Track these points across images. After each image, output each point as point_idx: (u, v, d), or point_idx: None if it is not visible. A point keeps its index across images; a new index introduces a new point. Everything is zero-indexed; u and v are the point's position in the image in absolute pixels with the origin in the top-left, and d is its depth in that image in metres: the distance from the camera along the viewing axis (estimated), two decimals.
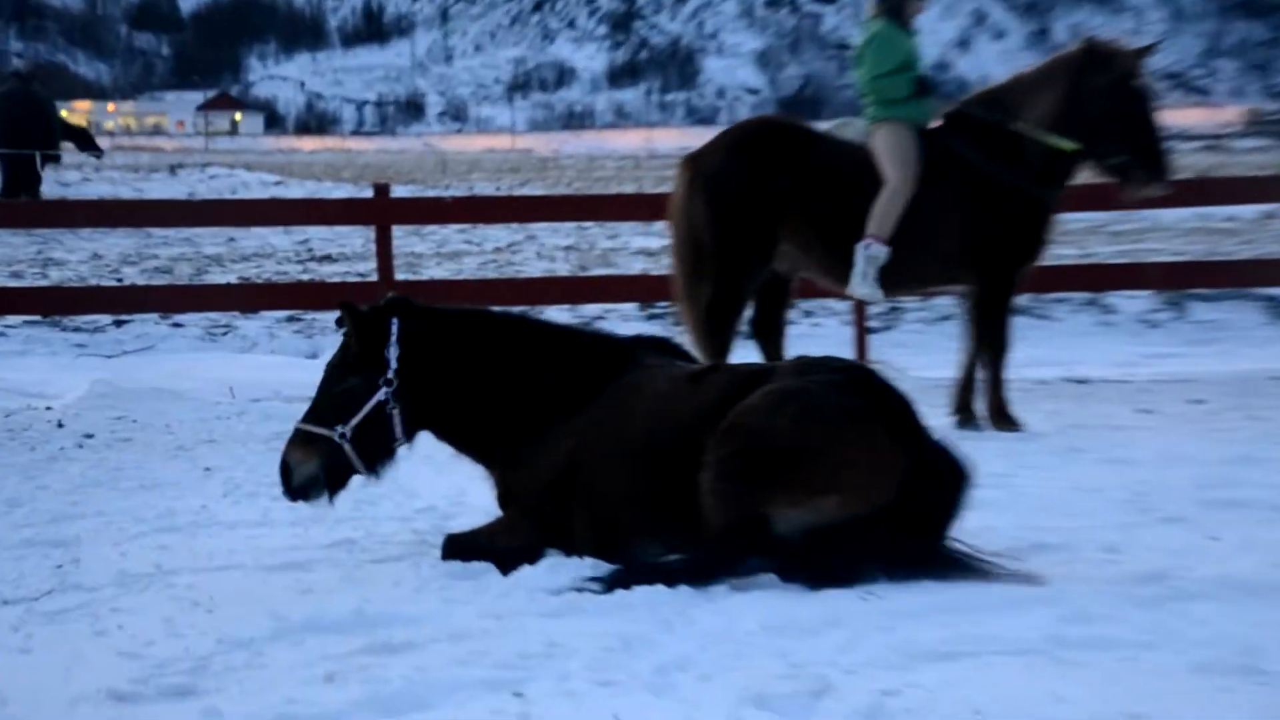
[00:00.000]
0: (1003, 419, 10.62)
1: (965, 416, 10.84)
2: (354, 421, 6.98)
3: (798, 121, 11.50)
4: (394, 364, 7.04)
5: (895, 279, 10.79)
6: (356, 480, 8.58)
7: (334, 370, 7.17)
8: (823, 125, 11.57)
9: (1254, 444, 9.63)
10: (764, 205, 10.81)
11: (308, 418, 7.06)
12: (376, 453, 7.05)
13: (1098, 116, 10.40)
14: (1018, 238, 10.69)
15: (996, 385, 10.74)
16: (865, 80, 11.08)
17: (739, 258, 10.92)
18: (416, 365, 7.05)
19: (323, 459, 6.96)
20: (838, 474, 6.20)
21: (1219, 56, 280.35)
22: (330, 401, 7.09)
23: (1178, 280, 15.58)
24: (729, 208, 10.88)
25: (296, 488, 6.96)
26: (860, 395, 6.39)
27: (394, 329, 7.09)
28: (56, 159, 32.32)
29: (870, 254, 10.65)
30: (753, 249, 10.93)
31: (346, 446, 6.95)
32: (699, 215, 11.00)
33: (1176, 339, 16.16)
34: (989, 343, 10.79)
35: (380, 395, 7.03)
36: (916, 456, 6.29)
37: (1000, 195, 10.60)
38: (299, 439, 7.01)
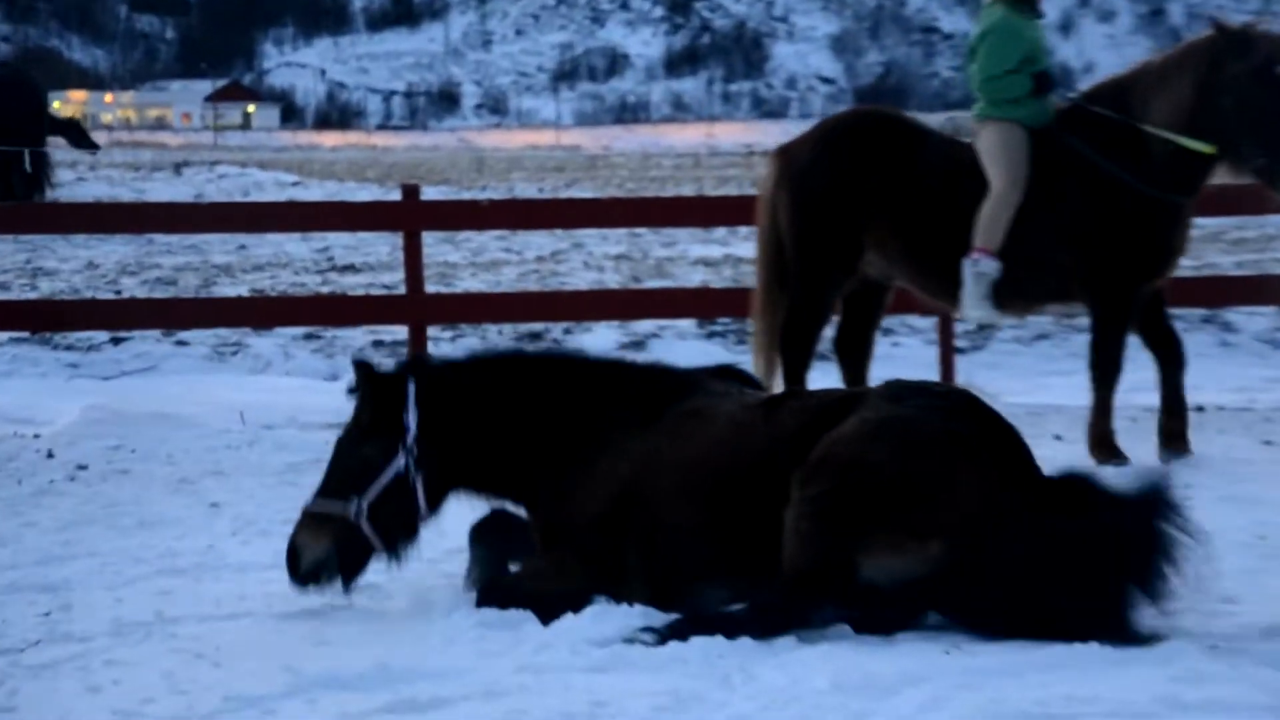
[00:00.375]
0: (1106, 450, 10.55)
1: (1176, 444, 10.75)
2: (371, 495, 6.99)
3: (903, 115, 11.49)
4: (414, 428, 7.02)
5: (1003, 297, 10.73)
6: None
7: (345, 441, 7.16)
8: (932, 120, 11.56)
9: None
10: (852, 206, 10.81)
11: (317, 495, 7.06)
12: (397, 529, 7.08)
13: (1235, 110, 10.25)
14: (1142, 249, 10.58)
15: (1103, 413, 10.68)
16: (980, 79, 11.00)
17: (822, 264, 10.94)
18: (441, 426, 7.05)
19: (335, 540, 6.97)
20: (946, 515, 6.17)
21: None
22: (343, 475, 7.09)
23: None
24: (815, 206, 10.91)
25: (305, 573, 6.97)
26: (969, 423, 6.37)
27: (411, 390, 7.06)
28: (42, 157, 32.49)
29: (980, 270, 10.58)
30: (837, 255, 10.94)
31: (363, 524, 6.96)
32: (783, 213, 11.03)
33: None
34: (1099, 365, 10.71)
35: (400, 464, 7.04)
36: (1030, 495, 6.26)
37: (1123, 200, 10.49)
38: (308, 520, 7.00)
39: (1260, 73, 10.18)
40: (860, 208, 10.83)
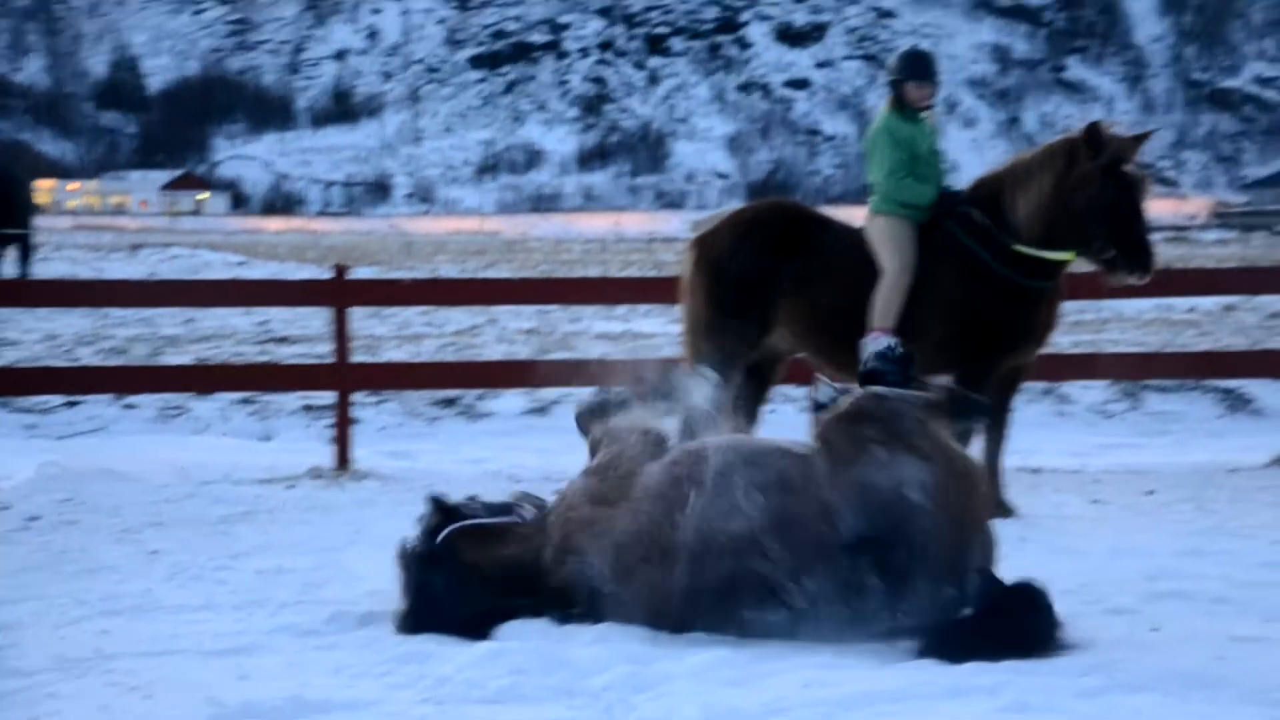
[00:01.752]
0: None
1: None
2: None
3: (805, 206, 11.57)
4: None
5: None
6: (301, 564, 8.64)
7: None
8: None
9: (1203, 536, 9.71)
10: (764, 288, 10.86)
11: None
12: None
13: (1086, 206, 10.35)
14: (1008, 328, 10.66)
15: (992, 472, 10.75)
16: (876, 173, 11.09)
17: (729, 339, 10.97)
18: None
19: None
20: None
21: (1187, 148, 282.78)
22: None
23: (1134, 371, 15.70)
24: (728, 289, 10.95)
25: None
26: None
27: None
28: (23, 239, 32.36)
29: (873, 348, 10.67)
30: (746, 333, 10.98)
31: None
32: (699, 294, 11.07)
33: (1131, 430, 16.27)
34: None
35: None
36: None
37: (993, 284, 10.58)
38: None
39: (1108, 170, 10.30)
40: (771, 289, 10.88)
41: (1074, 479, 12.66)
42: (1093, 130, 10.35)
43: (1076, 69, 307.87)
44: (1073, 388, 17.20)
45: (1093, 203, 10.28)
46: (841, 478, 6.64)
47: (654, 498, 6.94)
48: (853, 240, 11.03)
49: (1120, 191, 10.28)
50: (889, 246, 10.74)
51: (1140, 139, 10.52)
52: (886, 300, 10.64)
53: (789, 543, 6.59)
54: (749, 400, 11.36)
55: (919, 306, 10.67)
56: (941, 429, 6.86)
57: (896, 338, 10.60)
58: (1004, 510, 10.54)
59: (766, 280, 10.88)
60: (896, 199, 10.87)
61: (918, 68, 11.17)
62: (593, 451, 7.70)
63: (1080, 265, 10.99)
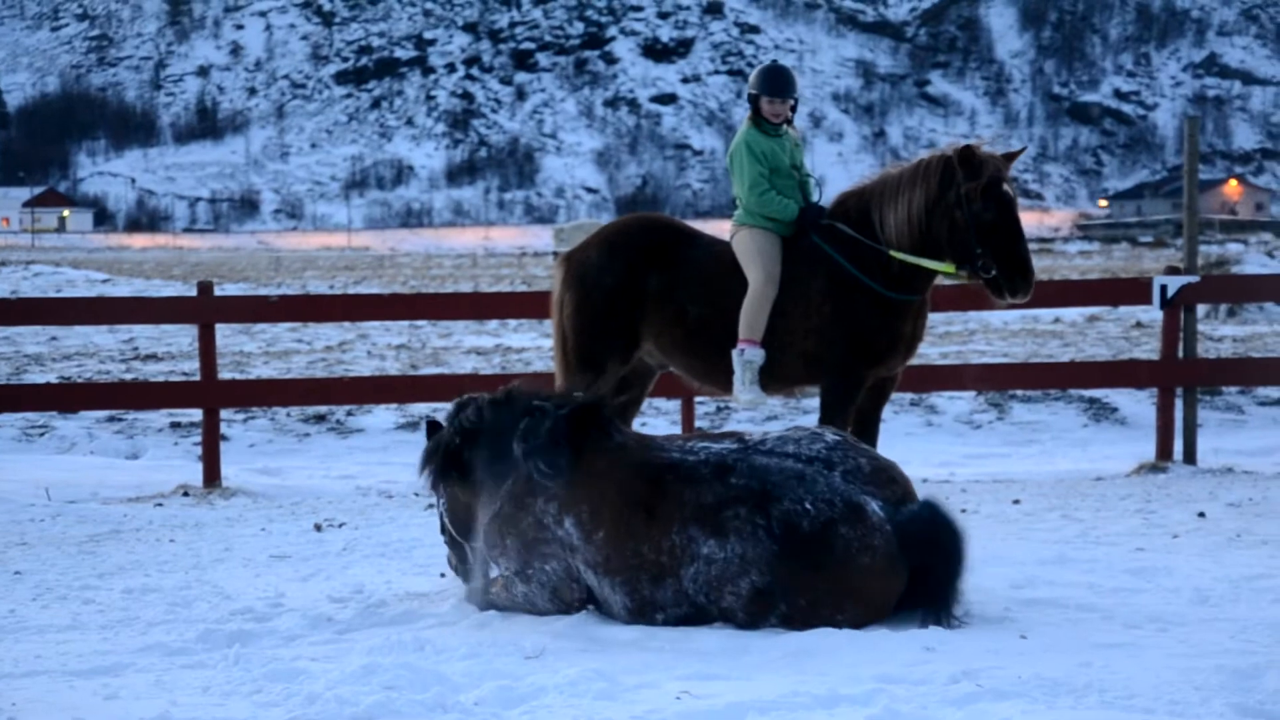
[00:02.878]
0: None
1: None
2: None
3: (674, 220, 11.57)
4: None
5: (766, 381, 10.81)
6: (169, 583, 8.55)
7: None
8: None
9: (1069, 544, 9.84)
10: (632, 302, 10.84)
11: None
12: None
13: (966, 225, 10.40)
14: (874, 340, 10.70)
15: None
16: (739, 187, 11.09)
17: (601, 354, 10.94)
18: None
19: None
20: None
21: (1050, 161, 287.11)
22: None
23: (999, 381, 15.88)
24: (594, 304, 10.92)
25: None
26: None
27: None
28: None
29: (746, 359, 10.65)
30: (616, 346, 10.96)
31: None
32: (568, 310, 11.04)
33: (998, 439, 16.47)
34: None
35: None
36: None
37: (859, 297, 10.60)
38: None
39: (988, 190, 10.35)
40: (638, 304, 10.85)
41: (942, 489, 12.77)
42: (967, 153, 10.39)
43: (939, 84, 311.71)
44: (940, 398, 17.39)
45: (974, 221, 10.32)
46: None
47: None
48: (720, 253, 11.03)
49: (1001, 211, 10.32)
50: (754, 259, 10.77)
51: (1013, 156, 10.61)
52: (752, 312, 10.67)
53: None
54: (620, 415, 11.34)
55: (786, 318, 10.70)
56: None
57: (762, 350, 10.65)
58: None
59: (633, 294, 10.88)
60: (759, 212, 10.90)
61: (774, 83, 11.17)
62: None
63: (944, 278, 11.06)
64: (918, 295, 10.68)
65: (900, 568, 7.14)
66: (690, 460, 7.44)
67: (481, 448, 7.84)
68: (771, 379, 10.80)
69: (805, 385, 11.18)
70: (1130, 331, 25.37)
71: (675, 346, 10.97)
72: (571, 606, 7.49)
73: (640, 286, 10.83)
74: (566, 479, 7.48)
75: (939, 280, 10.76)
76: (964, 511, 11.13)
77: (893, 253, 10.50)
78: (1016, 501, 11.84)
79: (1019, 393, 17.57)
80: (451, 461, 8.01)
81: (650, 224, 11.36)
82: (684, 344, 10.96)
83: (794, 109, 11.16)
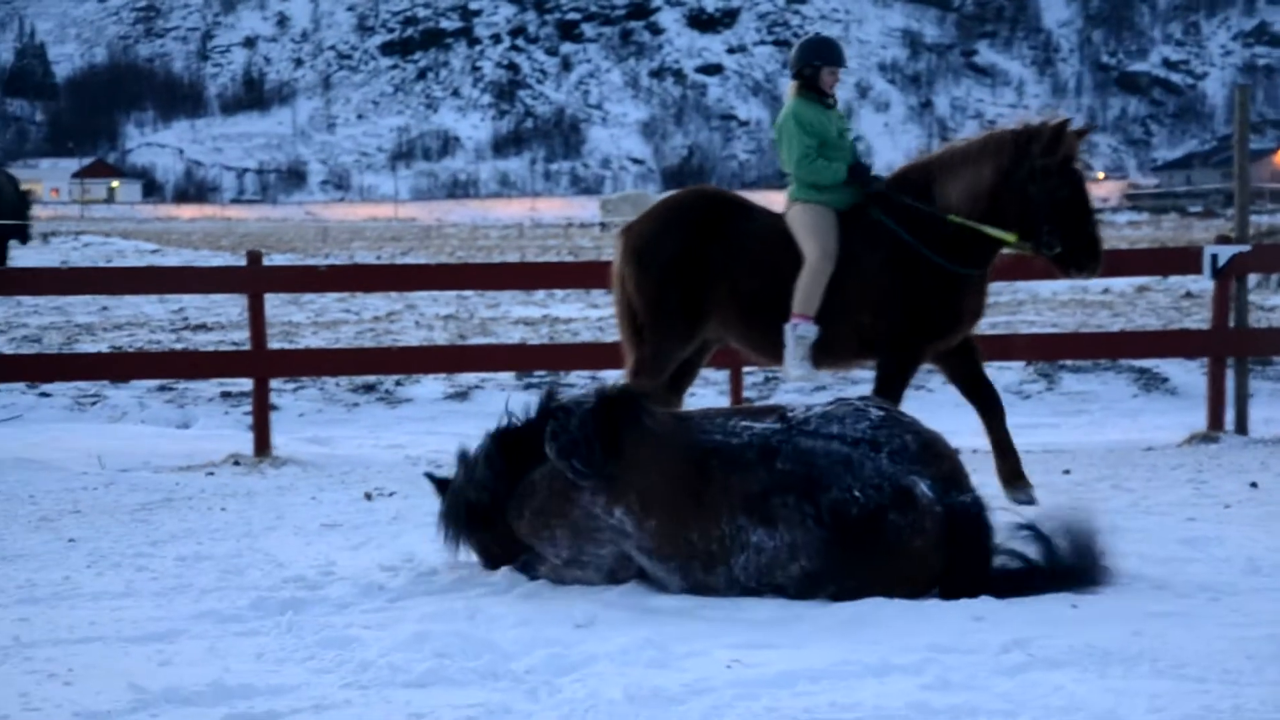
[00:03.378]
0: None
1: (1019, 483, 10.78)
2: None
3: (731, 193, 11.55)
4: None
5: (819, 356, 10.79)
6: (221, 550, 8.61)
7: None
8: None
9: (1120, 514, 9.78)
10: (693, 275, 10.82)
11: None
12: None
13: (1038, 200, 10.33)
14: (934, 314, 10.65)
15: None
16: (787, 164, 11.08)
17: (668, 327, 10.93)
18: None
19: None
20: None
21: (1098, 131, 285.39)
22: None
23: (1049, 352, 15.83)
24: (658, 277, 10.91)
25: None
26: None
27: None
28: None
29: (799, 334, 10.62)
30: (682, 319, 10.93)
31: None
32: (631, 285, 11.03)
33: (1047, 410, 16.40)
34: None
35: None
36: None
37: (920, 271, 10.55)
38: None
39: (1064, 167, 10.32)
40: (699, 276, 10.83)
41: (992, 460, 12.74)
42: (1044, 127, 10.37)
43: (986, 54, 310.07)
44: (989, 369, 17.27)
45: (1048, 197, 10.29)
46: None
47: None
48: (777, 226, 11.00)
49: (1074, 189, 10.33)
50: (810, 234, 10.73)
51: (1083, 133, 10.57)
52: (809, 288, 10.62)
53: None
54: (673, 386, 11.35)
55: (842, 292, 10.66)
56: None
57: (816, 326, 10.62)
58: (1024, 490, 10.54)
59: (692, 266, 10.85)
60: (808, 182, 10.87)
61: (821, 54, 11.15)
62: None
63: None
64: (980, 269, 10.62)
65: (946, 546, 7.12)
66: (734, 444, 7.37)
67: (512, 467, 7.82)
68: (825, 354, 10.77)
69: (860, 360, 11.16)
70: (1180, 302, 25.25)
71: (732, 319, 10.95)
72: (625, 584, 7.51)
73: (699, 259, 10.81)
74: (608, 473, 7.43)
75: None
76: None
77: (951, 216, 10.45)
78: (1067, 472, 11.80)
79: (1068, 363, 17.50)
80: (471, 514, 7.99)
81: (707, 197, 11.35)
82: (740, 317, 10.93)
83: (838, 80, 11.18)
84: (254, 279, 14.11)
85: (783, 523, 7.07)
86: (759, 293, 10.78)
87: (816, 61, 11.07)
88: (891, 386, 10.72)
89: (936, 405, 16.70)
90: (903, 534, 7.00)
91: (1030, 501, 10.33)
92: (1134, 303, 24.90)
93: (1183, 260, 15.39)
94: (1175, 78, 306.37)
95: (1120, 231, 60.68)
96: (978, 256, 10.57)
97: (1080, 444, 13.51)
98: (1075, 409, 16.33)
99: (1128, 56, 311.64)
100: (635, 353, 11.09)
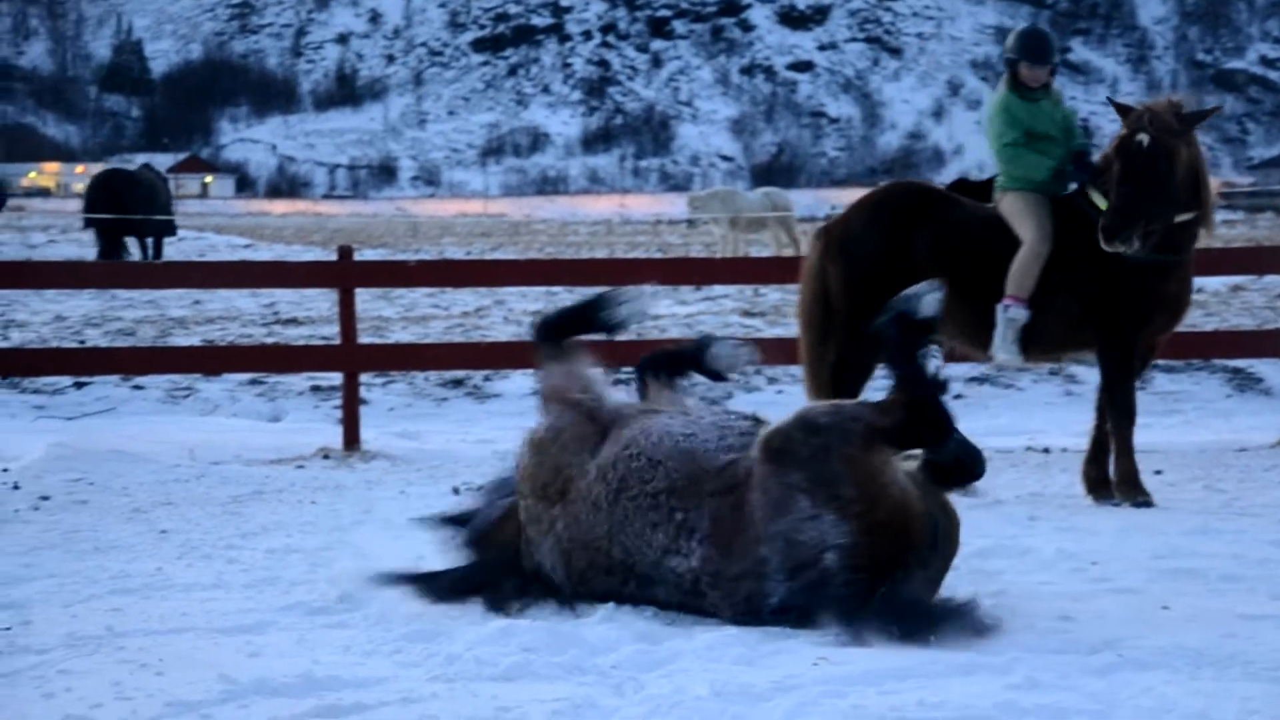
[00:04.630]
0: (1133, 489, 10.51)
1: (1099, 487, 10.75)
2: None
3: (933, 185, 11.57)
4: None
5: (1027, 343, 10.80)
6: (313, 542, 8.67)
7: None
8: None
9: (1212, 515, 9.71)
10: (900, 266, 10.77)
11: None
12: None
13: (1197, 180, 10.47)
14: (1139, 303, 10.61)
15: (1125, 455, 10.63)
16: (993, 149, 11.15)
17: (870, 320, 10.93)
18: None
19: None
20: None
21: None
22: None
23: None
24: (864, 269, 10.91)
25: None
26: None
27: None
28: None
29: (1010, 316, 10.63)
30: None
31: None
32: (833, 277, 11.03)
33: (1139, 410, 16.22)
34: (1115, 408, 10.72)
35: None
36: None
37: (1123, 259, 10.51)
38: None
39: (1121, 140, 10.40)
40: (907, 265, 10.74)
41: (1082, 459, 12.67)
42: (1122, 108, 10.45)
43: (1081, 50, 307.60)
44: (1080, 368, 17.19)
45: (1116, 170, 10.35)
46: (771, 528, 6.58)
47: (592, 506, 7.01)
48: (985, 213, 11.02)
49: (1120, 159, 10.42)
50: (1026, 217, 10.74)
51: (1201, 115, 10.59)
52: (1025, 269, 10.61)
53: (726, 598, 6.67)
54: (855, 380, 11.28)
55: (1049, 278, 10.66)
56: (878, 461, 6.61)
57: (1028, 309, 10.61)
58: (1139, 494, 10.47)
59: (901, 255, 10.83)
60: (1011, 172, 10.90)
61: (1034, 50, 11.15)
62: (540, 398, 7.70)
63: None
64: (1176, 255, 10.52)
65: None
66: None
67: None
68: (1032, 342, 10.77)
69: (1067, 351, 11.15)
70: (1275, 301, 24.92)
71: (947, 308, 10.95)
72: None
73: (908, 247, 10.82)
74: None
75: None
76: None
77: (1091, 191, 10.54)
78: (1159, 472, 11.69)
79: (1161, 362, 17.32)
80: None
81: (909, 187, 11.46)
82: (950, 303, 10.93)
83: (1053, 73, 11.14)
84: (344, 274, 14.21)
85: None
86: (969, 278, 10.73)
87: (1013, 56, 11.11)
88: (1117, 378, 10.70)
89: (1026, 404, 16.63)
90: None
91: (1148, 504, 10.33)
92: (1228, 302, 24.61)
93: (1278, 259, 15.22)
94: (1273, 75, 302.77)
95: (1215, 230, 60.01)
96: (1175, 242, 10.45)
97: (1173, 444, 13.38)
98: (1168, 409, 16.17)
99: (1224, 54, 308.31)
100: (825, 353, 11.11)
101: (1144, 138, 10.22)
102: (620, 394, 7.61)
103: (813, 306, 11.27)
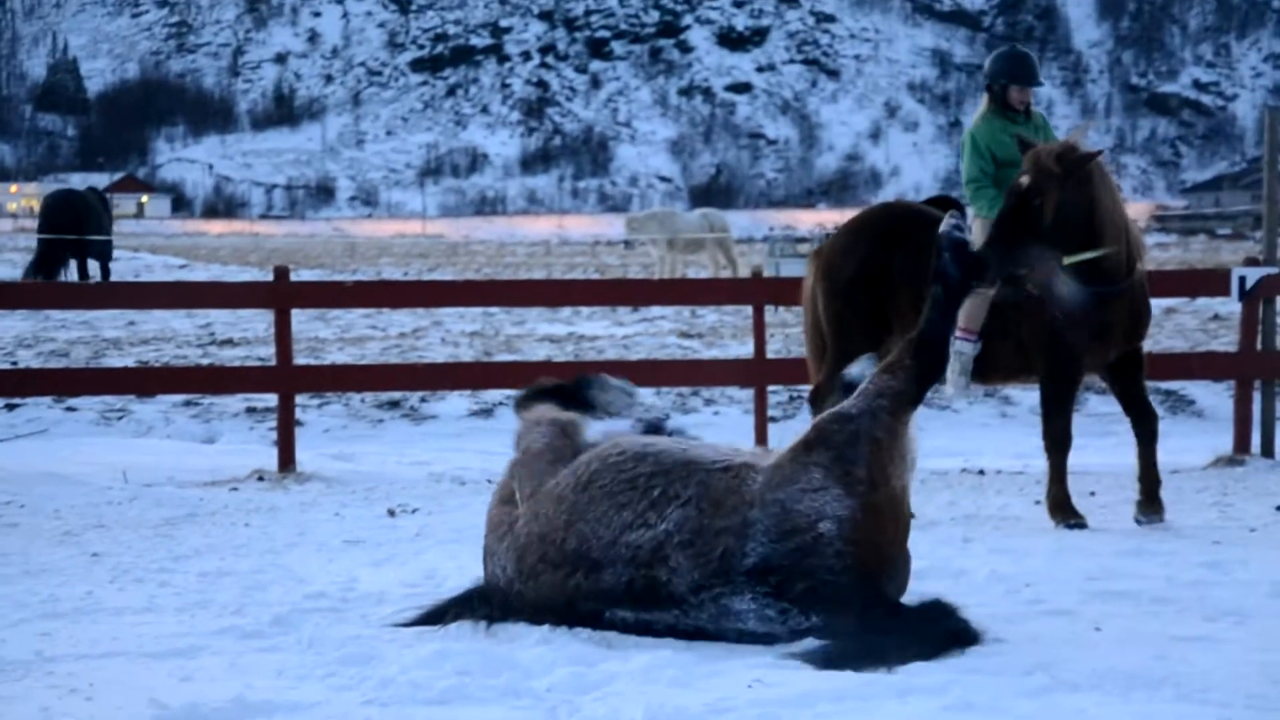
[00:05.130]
0: (1065, 513, 10.54)
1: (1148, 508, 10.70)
2: None
3: (918, 207, 11.58)
4: None
5: (987, 371, 10.89)
6: (244, 566, 8.59)
7: None
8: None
9: (1144, 537, 9.78)
10: (878, 286, 10.89)
11: None
12: None
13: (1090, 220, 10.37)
14: (1069, 333, 10.63)
15: (1056, 481, 10.67)
16: (964, 180, 11.20)
17: (851, 336, 10.96)
18: None
19: None
20: None
21: (1127, 152, 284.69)
22: None
23: None
24: (844, 288, 11.00)
25: None
26: None
27: None
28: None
29: (957, 349, 10.66)
30: (864, 328, 10.96)
31: None
32: (821, 300, 11.14)
33: (1073, 431, 16.30)
34: (1046, 438, 10.81)
35: None
36: None
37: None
38: None
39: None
40: (884, 286, 10.88)
41: (1017, 480, 12.74)
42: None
43: None
44: (1015, 389, 17.28)
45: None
46: (770, 495, 6.66)
47: (555, 500, 7.04)
48: None
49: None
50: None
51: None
52: (975, 301, 10.64)
53: (695, 558, 6.66)
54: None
55: (1001, 308, 10.70)
56: (899, 449, 6.84)
57: (976, 342, 10.69)
58: (1070, 517, 10.52)
59: (878, 276, 10.91)
60: (975, 209, 10.98)
61: (1010, 71, 11.15)
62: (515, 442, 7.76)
63: None
64: (1105, 288, 10.46)
65: None
66: None
67: None
68: (989, 368, 10.83)
69: (1021, 378, 11.22)
70: (1208, 324, 25.14)
71: (911, 327, 10.99)
72: None
73: (885, 268, 10.89)
74: None
75: None
76: (1039, 503, 11.08)
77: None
78: (1092, 493, 11.76)
79: (1094, 384, 17.42)
80: None
81: (892, 210, 11.57)
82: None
83: (1031, 97, 11.22)
84: (280, 294, 14.14)
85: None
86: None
87: (1003, 79, 11.11)
88: (1049, 407, 10.77)
89: (961, 425, 16.70)
90: None
91: (1159, 521, 10.45)
92: (1161, 324, 24.79)
93: (1210, 282, 15.33)
94: (1205, 99, 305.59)
95: (1149, 253, 60.43)
96: (1098, 276, 10.44)
97: (1106, 466, 13.45)
98: (1101, 431, 16.24)
99: (1158, 78, 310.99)
100: (819, 368, 11.21)
101: (1025, 179, 10.25)
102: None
103: (813, 331, 11.43)
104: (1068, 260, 10.26)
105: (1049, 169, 10.12)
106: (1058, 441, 10.75)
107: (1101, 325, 10.61)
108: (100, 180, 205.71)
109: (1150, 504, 10.61)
